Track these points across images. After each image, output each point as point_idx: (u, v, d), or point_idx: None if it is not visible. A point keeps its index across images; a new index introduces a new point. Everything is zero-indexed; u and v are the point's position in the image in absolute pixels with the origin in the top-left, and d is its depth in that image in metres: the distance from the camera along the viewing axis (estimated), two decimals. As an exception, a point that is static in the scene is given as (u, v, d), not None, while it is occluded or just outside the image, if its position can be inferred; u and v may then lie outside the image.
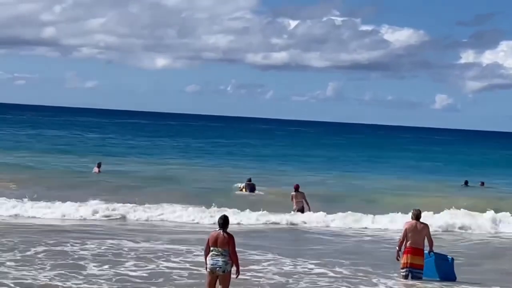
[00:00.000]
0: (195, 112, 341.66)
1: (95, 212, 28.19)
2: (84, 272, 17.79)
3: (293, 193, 30.19)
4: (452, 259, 18.92)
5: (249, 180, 37.35)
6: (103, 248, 21.03)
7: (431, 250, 18.58)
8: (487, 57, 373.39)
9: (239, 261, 14.75)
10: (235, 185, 37.84)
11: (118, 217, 27.99)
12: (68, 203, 28.81)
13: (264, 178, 42.89)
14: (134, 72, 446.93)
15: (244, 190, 36.76)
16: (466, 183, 47.58)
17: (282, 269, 19.43)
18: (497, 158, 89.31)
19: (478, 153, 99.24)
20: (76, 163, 47.81)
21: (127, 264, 19.06)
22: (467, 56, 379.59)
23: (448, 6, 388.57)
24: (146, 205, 29.23)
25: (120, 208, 28.78)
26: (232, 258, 14.49)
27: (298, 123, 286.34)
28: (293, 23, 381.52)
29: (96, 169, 41.22)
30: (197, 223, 28.07)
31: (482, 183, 48.04)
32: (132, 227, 26.21)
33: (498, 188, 47.49)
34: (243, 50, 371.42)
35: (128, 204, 29.14)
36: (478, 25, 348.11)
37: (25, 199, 28.63)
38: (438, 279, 18.64)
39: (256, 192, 36.63)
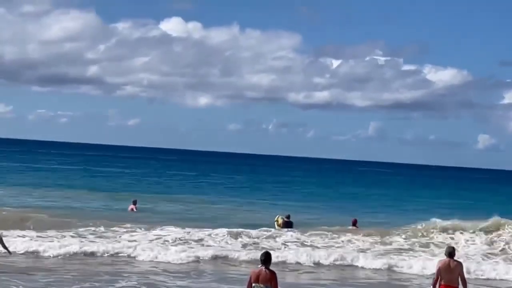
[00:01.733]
0: (236, 150, 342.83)
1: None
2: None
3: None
4: None
5: (288, 217, 36.90)
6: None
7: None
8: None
9: None
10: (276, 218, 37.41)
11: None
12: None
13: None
14: (176, 110, 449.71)
15: (280, 226, 36.22)
16: None
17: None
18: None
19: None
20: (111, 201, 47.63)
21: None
22: (510, 96, 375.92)
23: (492, 46, 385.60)
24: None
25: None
26: None
27: (338, 162, 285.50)
28: (335, 63, 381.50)
29: (132, 207, 41.03)
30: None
31: None
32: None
33: None
34: (285, 89, 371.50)
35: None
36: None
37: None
38: None
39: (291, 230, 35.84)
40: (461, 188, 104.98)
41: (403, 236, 33.15)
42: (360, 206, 55.07)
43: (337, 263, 28.40)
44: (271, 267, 14.76)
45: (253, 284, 14.41)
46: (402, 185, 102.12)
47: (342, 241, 31.62)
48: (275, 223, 36.51)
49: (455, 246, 18.87)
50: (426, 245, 32.17)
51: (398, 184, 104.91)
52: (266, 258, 14.62)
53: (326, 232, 32.84)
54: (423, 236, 33.46)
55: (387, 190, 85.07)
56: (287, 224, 36.24)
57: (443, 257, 18.39)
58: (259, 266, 14.60)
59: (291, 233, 33.38)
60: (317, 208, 51.76)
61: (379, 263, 28.37)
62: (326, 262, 28.35)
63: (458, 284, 17.92)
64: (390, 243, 32.02)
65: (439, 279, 17.89)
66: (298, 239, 31.90)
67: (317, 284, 24.64)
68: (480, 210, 56.44)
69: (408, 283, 25.81)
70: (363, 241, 31.67)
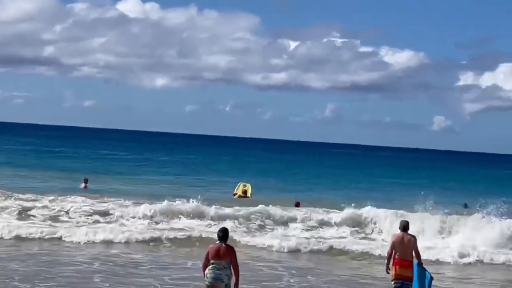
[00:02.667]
0: (193, 132, 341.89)
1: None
2: None
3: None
4: (431, 278, 18.42)
5: (244, 192, 38.60)
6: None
7: (419, 263, 18.22)
8: (486, 79, 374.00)
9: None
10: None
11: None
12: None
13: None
14: (133, 91, 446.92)
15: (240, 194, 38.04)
16: (466, 205, 45.00)
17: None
18: (486, 179, 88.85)
19: (471, 175, 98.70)
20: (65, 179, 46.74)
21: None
22: (466, 78, 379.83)
23: (448, 28, 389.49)
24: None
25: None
26: (234, 270, 14.08)
27: (295, 143, 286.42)
28: (293, 44, 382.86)
29: (82, 185, 40.58)
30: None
31: (480, 206, 46.32)
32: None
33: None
34: (242, 71, 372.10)
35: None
36: (477, 47, 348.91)
37: None
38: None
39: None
40: (410, 169, 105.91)
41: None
42: (311, 185, 54.78)
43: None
44: None
45: (211, 261, 14.05)
46: (352, 166, 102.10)
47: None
48: (237, 190, 37.10)
49: None
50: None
51: (348, 165, 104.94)
52: (224, 234, 14.27)
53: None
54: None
55: (337, 170, 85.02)
56: (244, 192, 38.31)
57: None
58: (217, 242, 14.23)
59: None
60: (268, 187, 51.16)
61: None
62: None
63: (412, 257, 17.91)
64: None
65: (393, 252, 17.82)
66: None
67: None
68: (413, 191, 56.92)
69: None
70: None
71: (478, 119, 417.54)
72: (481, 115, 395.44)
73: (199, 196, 31.10)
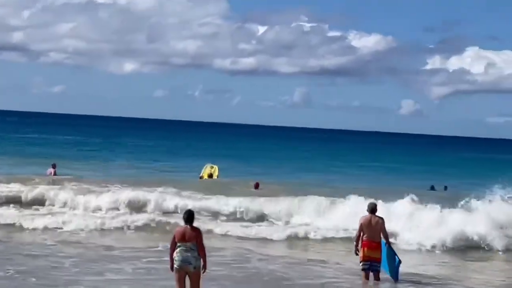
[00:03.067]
0: (162, 117, 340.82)
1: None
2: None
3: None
4: (400, 261, 18.55)
5: (210, 175, 38.53)
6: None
7: (387, 243, 18.44)
8: (453, 63, 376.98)
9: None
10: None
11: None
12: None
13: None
14: (102, 77, 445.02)
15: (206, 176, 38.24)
16: (432, 187, 45.17)
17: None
18: (455, 162, 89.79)
19: (439, 158, 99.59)
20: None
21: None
22: (434, 62, 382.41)
23: (416, 12, 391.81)
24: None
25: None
26: (200, 252, 13.98)
27: (264, 128, 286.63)
28: (261, 29, 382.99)
29: (50, 170, 39.90)
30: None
31: (445, 187, 45.89)
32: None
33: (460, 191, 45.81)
34: (211, 56, 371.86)
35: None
36: (445, 31, 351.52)
37: None
38: (386, 271, 18.52)
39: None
40: (377, 153, 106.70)
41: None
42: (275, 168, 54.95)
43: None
44: None
45: (178, 244, 13.97)
46: (319, 151, 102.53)
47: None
48: (204, 173, 38.20)
49: None
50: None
51: (314, 150, 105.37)
52: (189, 216, 14.18)
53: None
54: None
55: (303, 153, 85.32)
56: (212, 176, 38.35)
57: None
58: (183, 225, 14.17)
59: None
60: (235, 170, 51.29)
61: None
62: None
63: (380, 239, 18.09)
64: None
65: (361, 234, 18.02)
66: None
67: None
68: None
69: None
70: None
71: (446, 103, 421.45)
72: (448, 99, 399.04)
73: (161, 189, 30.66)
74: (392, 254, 18.46)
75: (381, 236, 18.12)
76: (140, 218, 26.92)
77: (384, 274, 18.49)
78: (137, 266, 19.15)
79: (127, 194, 28.97)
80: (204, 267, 14.14)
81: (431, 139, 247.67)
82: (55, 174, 39.59)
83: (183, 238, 13.97)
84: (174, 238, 14.08)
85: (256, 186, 34.07)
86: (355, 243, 18.26)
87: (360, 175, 55.98)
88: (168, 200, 28.57)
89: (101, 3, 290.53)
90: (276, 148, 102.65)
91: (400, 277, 18.64)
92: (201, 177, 38.59)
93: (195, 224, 14.36)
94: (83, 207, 28.25)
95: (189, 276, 14.01)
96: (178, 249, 13.98)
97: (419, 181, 49.14)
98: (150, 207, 28.20)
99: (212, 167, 39.75)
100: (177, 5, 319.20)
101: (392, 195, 28.90)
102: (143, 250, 21.70)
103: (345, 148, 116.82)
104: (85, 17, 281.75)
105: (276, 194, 30.90)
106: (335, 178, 48.04)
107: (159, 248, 21.24)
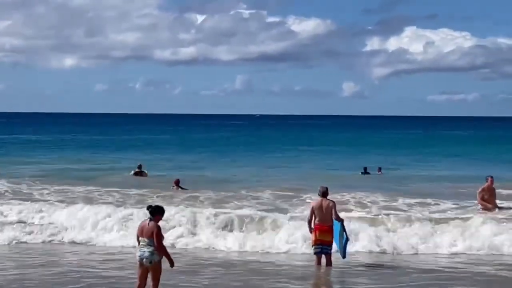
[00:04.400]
0: (104, 111, 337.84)
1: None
2: None
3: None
4: (347, 239, 18.79)
5: (139, 167, 37.80)
6: None
7: (340, 220, 18.46)
8: (392, 44, 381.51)
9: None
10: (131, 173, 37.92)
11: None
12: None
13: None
14: (42, 73, 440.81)
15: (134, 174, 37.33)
16: (365, 170, 43.48)
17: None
18: (397, 141, 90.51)
19: (378, 139, 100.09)
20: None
21: None
22: (373, 43, 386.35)
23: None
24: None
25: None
26: (158, 248, 13.78)
27: (206, 117, 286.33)
28: (200, 18, 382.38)
29: None
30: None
31: (379, 169, 44.28)
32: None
33: (394, 173, 44.54)
34: (151, 47, 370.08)
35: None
36: (383, 12, 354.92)
37: None
38: (336, 244, 18.70)
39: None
40: (315, 136, 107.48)
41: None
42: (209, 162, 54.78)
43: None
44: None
45: (140, 239, 13.91)
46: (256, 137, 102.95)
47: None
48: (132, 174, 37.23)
49: None
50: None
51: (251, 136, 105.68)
52: (151, 210, 13.99)
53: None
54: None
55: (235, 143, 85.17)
56: (139, 175, 37.11)
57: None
58: (147, 218, 13.98)
59: None
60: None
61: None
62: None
63: (331, 223, 18.23)
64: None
65: (313, 218, 18.19)
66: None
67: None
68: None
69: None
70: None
71: (387, 83, 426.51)
72: (389, 79, 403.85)
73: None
74: (342, 232, 18.58)
75: (333, 218, 18.19)
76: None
77: (338, 259, 18.64)
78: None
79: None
80: (170, 261, 13.90)
81: (372, 120, 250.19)
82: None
83: (141, 233, 13.91)
84: (137, 231, 14.04)
85: (177, 182, 32.14)
86: (308, 225, 18.38)
87: (290, 160, 55.82)
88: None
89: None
90: (207, 137, 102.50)
91: (347, 256, 18.85)
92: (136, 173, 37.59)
93: None
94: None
95: (149, 270, 13.93)
96: (139, 243, 13.95)
97: (353, 163, 48.92)
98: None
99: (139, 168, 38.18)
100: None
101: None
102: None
103: (277, 134, 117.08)
104: (21, 14, 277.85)
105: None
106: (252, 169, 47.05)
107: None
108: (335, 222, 18.33)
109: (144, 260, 13.85)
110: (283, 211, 25.71)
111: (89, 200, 27.59)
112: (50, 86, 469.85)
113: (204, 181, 35.59)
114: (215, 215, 23.24)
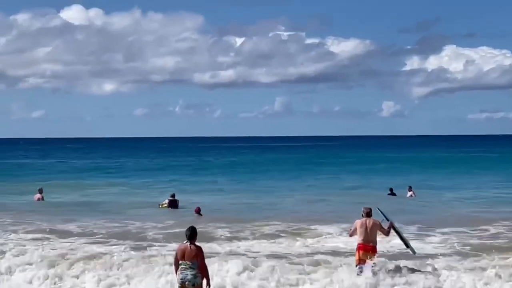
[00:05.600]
0: (144, 135, 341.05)
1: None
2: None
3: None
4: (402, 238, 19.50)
5: (173, 195, 36.60)
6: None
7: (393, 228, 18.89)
8: (432, 62, 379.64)
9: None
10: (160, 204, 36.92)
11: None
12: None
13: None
14: (82, 99, 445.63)
15: (164, 206, 36.22)
16: (391, 191, 42.30)
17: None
18: (436, 161, 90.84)
19: (415, 158, 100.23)
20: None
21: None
22: (412, 63, 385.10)
23: (392, 14, 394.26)
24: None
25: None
26: (201, 270, 14.08)
27: (245, 139, 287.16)
28: (239, 41, 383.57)
29: (38, 196, 40.44)
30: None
31: (410, 189, 42.45)
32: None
33: (425, 195, 43.05)
34: (190, 70, 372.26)
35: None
36: (421, 32, 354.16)
37: None
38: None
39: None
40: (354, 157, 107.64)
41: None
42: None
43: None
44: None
45: (180, 261, 14.12)
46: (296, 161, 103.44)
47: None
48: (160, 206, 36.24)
49: None
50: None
51: (294, 159, 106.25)
52: (191, 233, 14.20)
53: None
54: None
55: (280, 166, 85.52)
56: (172, 204, 35.98)
57: None
58: (185, 242, 14.27)
59: None
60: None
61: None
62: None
63: (375, 243, 18.31)
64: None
65: (353, 235, 18.39)
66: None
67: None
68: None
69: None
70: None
71: (427, 102, 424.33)
72: (429, 98, 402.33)
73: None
74: (399, 232, 19.27)
75: (380, 236, 18.43)
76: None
77: None
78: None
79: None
80: (208, 284, 14.22)
81: (412, 140, 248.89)
82: (42, 199, 40.36)
83: (183, 256, 14.12)
84: (176, 255, 14.24)
85: (197, 211, 31.73)
86: (349, 235, 18.87)
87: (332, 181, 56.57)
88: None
89: (77, 25, 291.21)
90: (253, 160, 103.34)
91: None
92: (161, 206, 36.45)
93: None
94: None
95: None
96: (180, 267, 14.15)
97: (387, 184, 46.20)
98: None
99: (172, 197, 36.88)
100: (153, 23, 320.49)
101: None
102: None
103: (319, 155, 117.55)
104: (62, 40, 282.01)
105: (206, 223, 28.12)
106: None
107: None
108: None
109: (187, 283, 14.02)
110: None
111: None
112: (90, 111, 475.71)
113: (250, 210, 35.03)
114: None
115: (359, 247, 18.19)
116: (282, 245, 23.85)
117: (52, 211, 33.86)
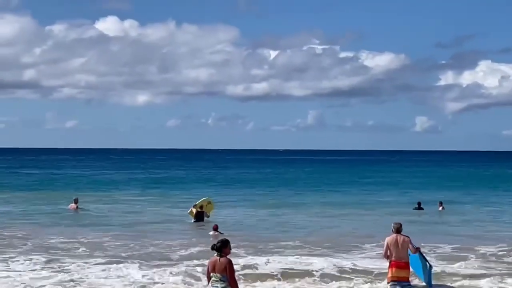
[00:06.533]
0: (176, 146, 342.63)
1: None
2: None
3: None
4: (430, 266, 19.02)
5: (201, 207, 35.76)
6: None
7: (418, 251, 18.73)
8: (467, 78, 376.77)
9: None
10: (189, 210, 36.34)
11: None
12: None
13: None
14: (115, 109, 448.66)
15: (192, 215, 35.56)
16: (419, 205, 42.16)
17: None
18: (470, 176, 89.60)
19: (449, 173, 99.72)
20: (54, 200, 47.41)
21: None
22: (447, 78, 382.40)
23: (428, 29, 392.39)
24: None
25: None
26: (231, 283, 14.01)
27: (277, 153, 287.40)
28: (273, 54, 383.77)
29: (73, 205, 40.81)
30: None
31: (441, 204, 42.37)
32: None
33: (458, 210, 43.03)
34: (223, 83, 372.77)
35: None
36: (457, 47, 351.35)
37: None
38: (419, 276, 18.96)
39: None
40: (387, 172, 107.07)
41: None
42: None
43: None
44: None
45: (211, 274, 14.10)
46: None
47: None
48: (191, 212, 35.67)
49: None
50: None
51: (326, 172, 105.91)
52: (219, 246, 14.12)
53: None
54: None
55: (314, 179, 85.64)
56: (198, 216, 35.36)
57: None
58: (215, 254, 14.20)
59: None
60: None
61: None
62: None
63: (408, 258, 18.08)
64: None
65: (388, 255, 18.03)
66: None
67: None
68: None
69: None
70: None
71: (461, 118, 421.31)
72: (463, 113, 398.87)
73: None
74: (424, 261, 18.83)
75: (409, 253, 18.14)
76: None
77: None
78: None
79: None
80: None
81: (445, 155, 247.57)
82: (77, 208, 40.75)
83: (213, 268, 14.08)
84: (208, 268, 14.23)
85: (215, 228, 30.58)
86: (385, 259, 18.36)
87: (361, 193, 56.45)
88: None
89: (112, 36, 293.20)
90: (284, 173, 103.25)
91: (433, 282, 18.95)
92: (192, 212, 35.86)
93: None
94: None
95: None
96: (211, 279, 14.15)
97: (415, 199, 46.41)
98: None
99: (208, 203, 36.49)
100: (188, 35, 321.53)
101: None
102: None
103: (347, 170, 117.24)
104: (96, 51, 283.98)
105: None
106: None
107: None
108: (411, 255, 18.28)
109: None
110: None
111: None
112: (122, 122, 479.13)
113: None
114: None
115: (392, 264, 17.99)
116: (314, 265, 22.96)
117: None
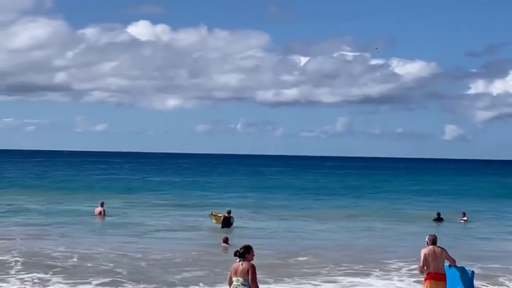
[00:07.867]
0: (205, 151, 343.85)
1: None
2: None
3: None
4: (472, 272, 18.68)
5: (228, 212, 35.41)
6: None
7: (454, 263, 18.31)
8: (497, 87, 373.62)
9: None
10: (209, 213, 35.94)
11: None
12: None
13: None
14: (145, 114, 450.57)
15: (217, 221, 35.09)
16: (438, 216, 41.23)
17: None
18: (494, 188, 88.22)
19: (477, 183, 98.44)
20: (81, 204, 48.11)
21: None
22: (477, 86, 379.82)
23: (458, 37, 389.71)
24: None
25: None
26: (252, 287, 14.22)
27: (306, 158, 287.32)
28: (304, 60, 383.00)
29: (99, 209, 40.93)
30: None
31: (464, 215, 41.05)
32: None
33: (479, 223, 41.85)
34: (253, 88, 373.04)
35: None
36: (488, 55, 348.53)
37: None
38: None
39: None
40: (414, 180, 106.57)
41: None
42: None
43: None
44: None
45: (233, 279, 14.33)
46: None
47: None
48: (213, 218, 35.21)
49: None
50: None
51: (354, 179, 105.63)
52: (242, 251, 14.37)
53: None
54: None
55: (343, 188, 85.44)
56: (225, 222, 35.05)
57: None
58: (237, 260, 14.41)
59: None
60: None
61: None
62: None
63: (444, 270, 17.92)
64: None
65: (425, 267, 17.80)
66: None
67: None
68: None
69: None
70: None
71: (491, 127, 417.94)
72: (493, 123, 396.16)
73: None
74: (461, 269, 18.36)
75: (445, 265, 17.94)
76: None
77: None
78: None
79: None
80: None
81: (475, 164, 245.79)
82: (103, 212, 40.64)
83: (235, 272, 14.29)
84: (230, 273, 14.43)
85: (225, 240, 29.90)
86: (420, 273, 18.20)
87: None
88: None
89: (144, 41, 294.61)
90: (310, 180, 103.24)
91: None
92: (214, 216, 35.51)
93: None
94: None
95: None
96: (233, 284, 14.30)
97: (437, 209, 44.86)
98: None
99: (229, 212, 35.81)
100: (218, 40, 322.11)
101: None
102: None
103: (380, 178, 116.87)
104: (128, 55, 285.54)
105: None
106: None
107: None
108: (447, 268, 17.96)
109: None
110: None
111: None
112: (152, 126, 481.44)
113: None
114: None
115: (429, 276, 17.79)
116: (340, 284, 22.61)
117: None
